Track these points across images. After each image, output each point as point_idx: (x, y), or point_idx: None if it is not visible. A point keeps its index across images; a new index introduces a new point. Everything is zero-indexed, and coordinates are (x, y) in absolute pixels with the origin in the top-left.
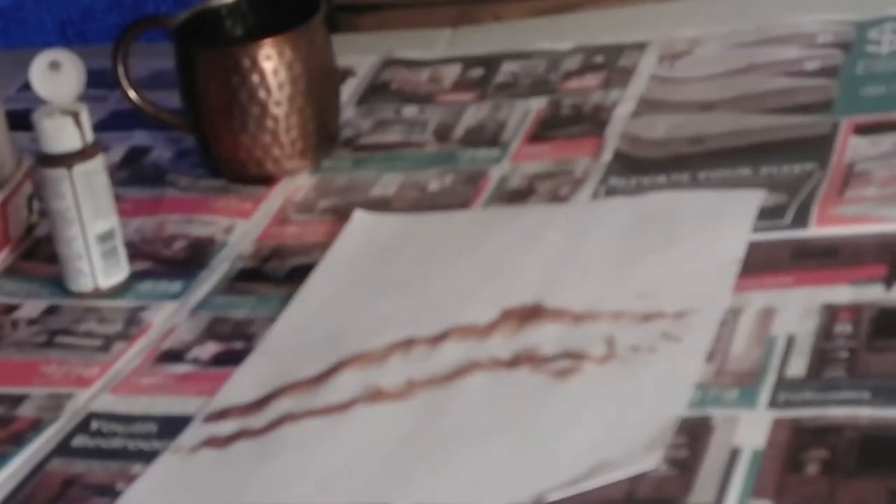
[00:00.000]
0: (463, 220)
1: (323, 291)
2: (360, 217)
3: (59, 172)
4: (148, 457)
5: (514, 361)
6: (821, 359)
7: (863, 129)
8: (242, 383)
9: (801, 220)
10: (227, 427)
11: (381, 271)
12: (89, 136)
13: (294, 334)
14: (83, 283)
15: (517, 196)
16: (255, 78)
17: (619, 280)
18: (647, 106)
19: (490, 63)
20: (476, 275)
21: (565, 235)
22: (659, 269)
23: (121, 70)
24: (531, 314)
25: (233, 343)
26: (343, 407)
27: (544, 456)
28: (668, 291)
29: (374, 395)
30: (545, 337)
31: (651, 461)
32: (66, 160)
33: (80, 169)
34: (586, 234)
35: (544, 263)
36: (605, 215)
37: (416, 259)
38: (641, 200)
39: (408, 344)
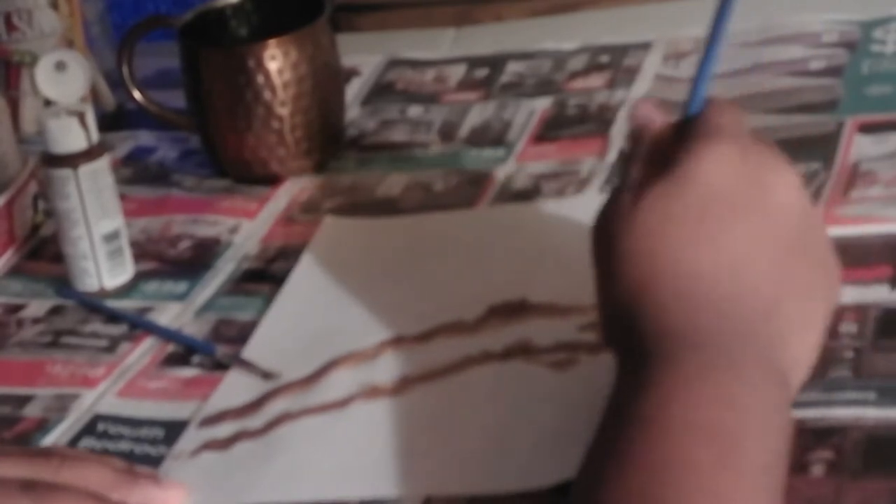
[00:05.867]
0: (440, 222)
1: (301, 296)
2: (330, 222)
3: (64, 172)
4: (154, 462)
5: (507, 354)
6: (826, 359)
7: (868, 129)
8: (233, 387)
9: None
10: (224, 429)
11: (358, 275)
12: (95, 136)
13: (278, 338)
14: (88, 284)
15: (522, 196)
16: (260, 78)
17: None
18: None
19: (495, 63)
20: (458, 274)
21: (545, 232)
22: None
23: (126, 70)
24: (517, 310)
25: (238, 345)
26: (341, 404)
27: (553, 444)
28: None
29: (371, 392)
30: (535, 331)
31: None
32: (72, 160)
33: (85, 169)
34: (567, 230)
35: (526, 260)
36: (587, 212)
37: (393, 262)
38: None
39: (397, 342)
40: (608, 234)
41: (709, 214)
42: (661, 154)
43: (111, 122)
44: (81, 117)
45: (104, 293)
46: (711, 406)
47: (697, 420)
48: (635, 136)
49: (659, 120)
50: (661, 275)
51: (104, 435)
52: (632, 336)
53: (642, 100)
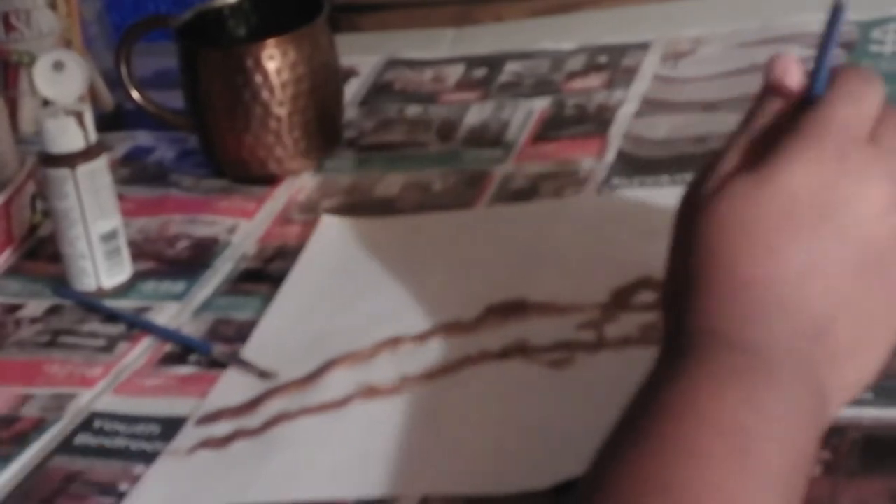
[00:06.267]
0: (438, 222)
1: (299, 296)
2: (327, 221)
3: (62, 172)
4: (150, 458)
5: (505, 353)
6: None
7: None
8: (231, 387)
9: None
10: (222, 428)
11: (355, 275)
12: (93, 136)
13: (276, 339)
14: (86, 283)
15: (520, 196)
16: (259, 78)
17: (603, 273)
18: (651, 106)
19: (493, 63)
20: (456, 273)
21: (543, 232)
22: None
23: (124, 70)
24: (515, 309)
25: (236, 345)
26: (339, 404)
27: (551, 444)
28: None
29: (369, 392)
30: (533, 330)
31: None
32: (70, 160)
33: (83, 169)
34: (565, 230)
35: (524, 259)
36: (585, 212)
37: (390, 262)
38: (622, 197)
39: (394, 342)
40: (687, 213)
41: (783, 221)
42: (771, 135)
43: (109, 122)
44: (79, 117)
45: (102, 293)
46: (738, 407)
47: (721, 417)
48: (765, 93)
49: (796, 78)
50: (718, 274)
51: (100, 432)
52: (679, 323)
53: (783, 54)
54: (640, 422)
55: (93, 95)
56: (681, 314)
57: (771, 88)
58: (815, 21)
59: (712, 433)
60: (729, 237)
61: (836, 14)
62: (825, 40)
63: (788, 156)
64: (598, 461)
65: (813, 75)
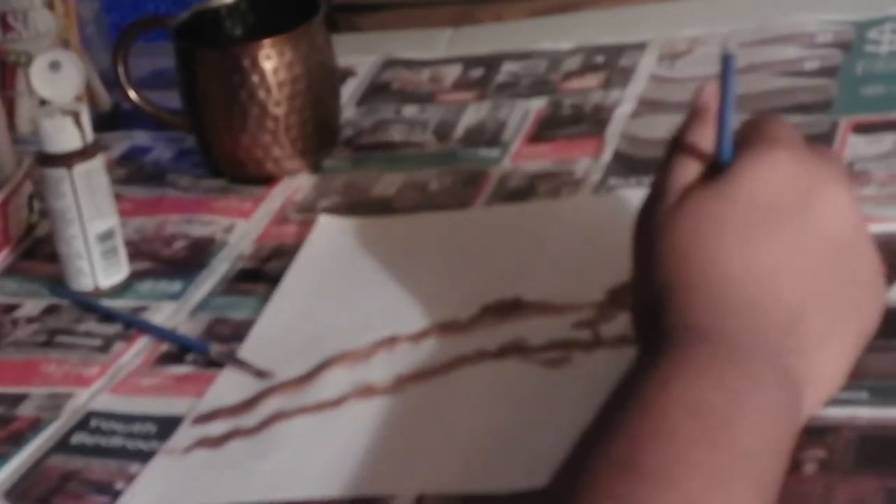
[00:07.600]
0: (434, 222)
1: (296, 296)
2: (324, 221)
3: (59, 172)
4: (146, 457)
5: (502, 352)
6: None
7: (862, 129)
8: (227, 386)
9: None
10: (218, 428)
11: (352, 275)
12: (89, 135)
13: (272, 338)
14: (83, 283)
15: (517, 196)
16: (255, 78)
17: (599, 272)
18: (648, 106)
19: (491, 63)
20: (452, 273)
21: (539, 231)
22: None
23: (121, 70)
24: (511, 308)
25: (233, 344)
26: (335, 403)
27: (547, 442)
28: None
29: (365, 391)
30: (529, 329)
31: None
32: (67, 160)
33: (80, 168)
34: (561, 230)
35: (520, 259)
36: (581, 212)
37: (387, 262)
38: (619, 198)
39: (391, 342)
40: (649, 229)
41: (750, 222)
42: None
43: (107, 122)
44: (76, 117)
45: (99, 293)
46: (709, 390)
47: (692, 399)
48: (692, 121)
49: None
50: (692, 275)
51: (97, 431)
52: (656, 330)
53: (708, 83)
54: (615, 413)
55: (90, 95)
56: (657, 318)
57: (697, 113)
58: (812, 21)
59: (682, 413)
60: (699, 242)
61: (727, 64)
62: (723, 99)
63: (750, 161)
64: (572, 451)
65: (718, 142)
